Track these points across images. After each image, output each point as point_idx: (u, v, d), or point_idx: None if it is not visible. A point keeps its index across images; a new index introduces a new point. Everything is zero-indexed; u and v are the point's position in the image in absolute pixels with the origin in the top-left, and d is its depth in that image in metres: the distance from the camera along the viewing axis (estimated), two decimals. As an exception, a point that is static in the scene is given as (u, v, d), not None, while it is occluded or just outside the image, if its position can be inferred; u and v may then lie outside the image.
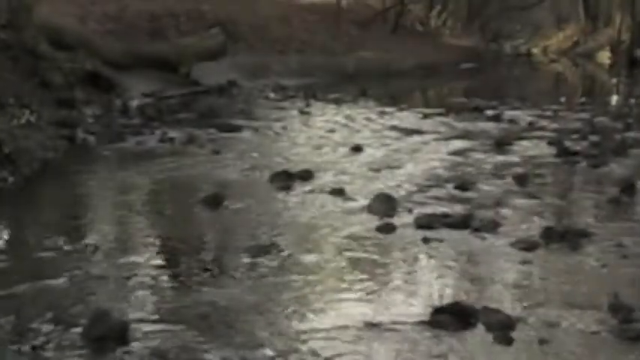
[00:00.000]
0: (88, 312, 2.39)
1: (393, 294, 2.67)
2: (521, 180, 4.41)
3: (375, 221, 3.51)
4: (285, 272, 2.86)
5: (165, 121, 6.63)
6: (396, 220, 3.51)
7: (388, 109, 7.84)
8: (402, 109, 7.89)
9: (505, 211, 3.72)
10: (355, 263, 2.99)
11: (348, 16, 14.62)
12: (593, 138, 5.94)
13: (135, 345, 2.24)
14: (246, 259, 2.99)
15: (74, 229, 3.49)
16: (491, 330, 2.35)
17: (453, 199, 3.95)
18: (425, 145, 5.75)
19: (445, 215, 3.55)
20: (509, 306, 2.52)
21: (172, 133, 5.91)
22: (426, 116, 7.35)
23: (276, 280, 2.78)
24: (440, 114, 7.50)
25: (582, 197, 4.28)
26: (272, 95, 9.08)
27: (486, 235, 3.32)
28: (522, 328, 2.36)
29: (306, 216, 3.66)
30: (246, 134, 6.17)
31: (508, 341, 2.31)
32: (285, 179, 4.34)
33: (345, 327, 2.37)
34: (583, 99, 9.87)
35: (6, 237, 3.28)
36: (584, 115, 7.51)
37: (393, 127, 6.60)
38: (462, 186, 4.21)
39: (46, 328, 2.33)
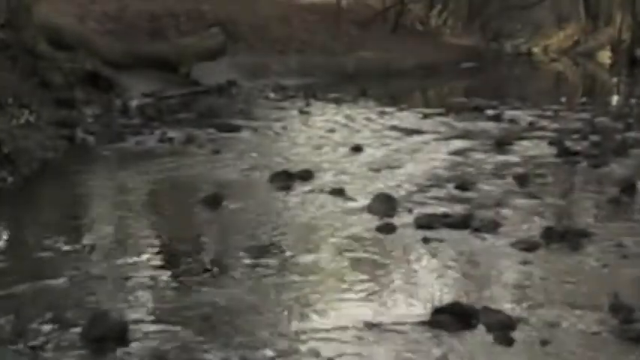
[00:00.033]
0: (87, 312, 2.39)
1: (393, 294, 2.66)
2: (521, 180, 4.41)
3: (375, 221, 3.51)
4: (285, 272, 2.85)
5: (164, 121, 6.63)
6: (396, 220, 3.51)
7: (388, 109, 7.83)
8: (402, 109, 7.88)
9: (505, 211, 3.71)
10: (355, 263, 2.99)
11: (348, 16, 14.61)
12: (594, 138, 5.93)
13: (134, 345, 2.23)
14: (246, 260, 2.99)
15: (73, 229, 3.48)
16: (492, 330, 2.35)
17: (453, 199, 3.95)
18: (425, 145, 5.75)
19: (445, 215, 3.55)
20: (509, 306, 2.51)
21: (172, 133, 5.90)
22: (426, 116, 7.34)
23: (276, 280, 2.77)
24: (440, 114, 7.49)
25: (583, 197, 4.28)
26: (272, 95, 9.08)
27: (487, 235, 3.32)
28: (523, 329, 2.36)
29: (306, 216, 3.66)
30: (245, 134, 6.16)
31: (508, 342, 2.30)
32: (285, 179, 4.33)
33: (345, 327, 2.36)
34: (584, 99, 9.86)
35: (5, 237, 3.27)
36: (585, 115, 7.49)
37: (393, 127, 6.60)
38: (462, 186, 4.21)
39: (46, 328, 2.33)
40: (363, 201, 3.83)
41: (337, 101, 8.51)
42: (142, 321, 2.39)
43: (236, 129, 6.27)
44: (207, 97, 8.64)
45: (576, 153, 5.27)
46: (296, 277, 2.80)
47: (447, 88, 12.11)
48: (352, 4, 15.57)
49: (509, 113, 7.48)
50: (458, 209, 3.71)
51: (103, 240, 3.28)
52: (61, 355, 2.17)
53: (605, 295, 2.55)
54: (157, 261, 3.00)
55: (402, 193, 4.07)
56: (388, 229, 3.41)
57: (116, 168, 4.88)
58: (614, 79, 13.58)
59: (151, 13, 10.32)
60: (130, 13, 10.10)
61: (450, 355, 2.21)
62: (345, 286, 2.74)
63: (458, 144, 5.73)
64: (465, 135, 6.20)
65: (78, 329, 2.30)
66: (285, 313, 2.48)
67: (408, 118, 7.30)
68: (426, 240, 3.24)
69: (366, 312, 2.48)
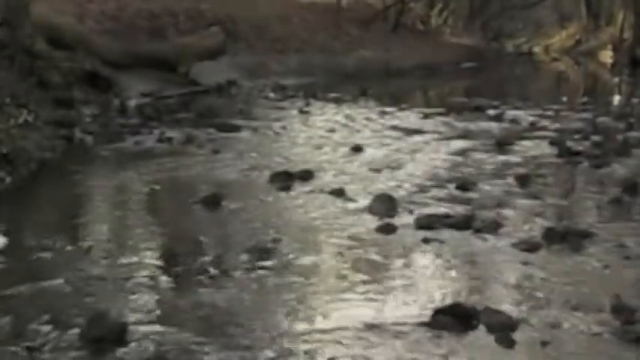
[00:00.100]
0: (86, 313, 2.37)
1: (394, 295, 2.65)
2: (522, 180, 4.39)
3: (375, 222, 3.50)
4: (285, 273, 2.84)
5: (163, 121, 6.62)
6: (396, 221, 3.49)
7: (388, 109, 7.83)
8: (402, 109, 7.88)
9: (506, 212, 3.70)
10: (355, 264, 2.97)
11: (348, 15, 14.61)
12: (596, 138, 5.91)
13: (133, 346, 2.22)
14: (246, 260, 2.97)
15: (72, 229, 3.47)
16: (493, 331, 2.34)
17: (453, 200, 3.93)
18: (426, 145, 5.73)
19: (446, 216, 3.53)
20: (510, 307, 2.50)
21: (171, 133, 5.89)
22: (426, 116, 7.33)
23: (275, 280, 2.76)
24: (441, 114, 7.48)
25: (584, 198, 4.25)
26: (272, 95, 9.07)
27: (487, 235, 3.30)
28: (524, 330, 2.35)
29: (306, 216, 3.64)
30: (245, 134, 6.15)
31: (509, 343, 2.29)
32: (285, 179, 4.32)
33: (346, 328, 2.35)
34: (585, 98, 9.85)
35: (3, 238, 3.26)
36: (587, 115, 7.49)
37: (394, 127, 6.59)
38: (463, 186, 4.19)
39: (44, 329, 2.31)
40: (364, 201, 3.81)
41: (337, 101, 8.50)
42: (141, 322, 2.37)
43: (235, 129, 6.26)
44: (207, 96, 8.64)
45: (578, 153, 5.26)
46: (296, 278, 2.79)
47: (448, 88, 12.10)
48: (352, 3, 15.57)
49: (510, 113, 7.47)
50: (459, 210, 3.69)
51: (102, 240, 3.27)
52: (60, 355, 2.16)
53: (606, 296, 2.54)
54: (156, 261, 2.99)
55: (403, 193, 4.05)
56: (388, 229, 3.39)
57: (115, 168, 4.86)
58: (616, 79, 13.58)
59: (149, 12, 10.31)
60: (129, 13, 10.09)
61: (451, 356, 2.20)
62: (345, 286, 2.73)
63: (459, 144, 5.72)
64: (465, 135, 6.19)
65: (77, 330, 2.29)
66: (285, 313, 2.46)
67: (408, 117, 7.29)
68: (426, 240, 3.22)
69: (367, 313, 2.47)
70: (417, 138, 6.02)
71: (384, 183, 4.31)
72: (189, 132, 5.96)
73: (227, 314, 2.46)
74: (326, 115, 7.42)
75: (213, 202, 3.82)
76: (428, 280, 2.82)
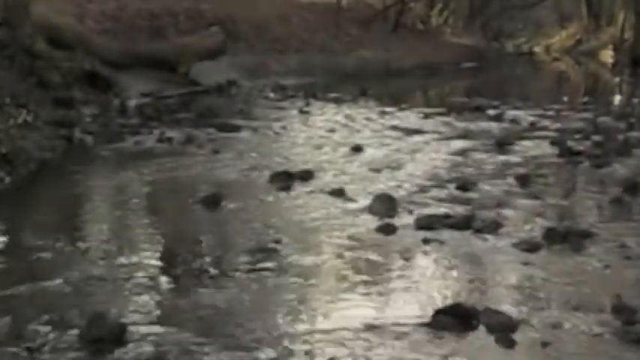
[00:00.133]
0: (85, 314, 2.37)
1: (394, 295, 2.64)
2: (523, 180, 4.38)
3: (375, 222, 3.49)
4: (285, 273, 2.83)
5: (163, 121, 6.62)
6: (396, 221, 3.49)
7: (389, 109, 7.82)
8: (402, 109, 7.87)
9: (507, 212, 3.69)
10: (355, 264, 2.97)
11: (348, 15, 14.61)
12: (596, 138, 5.91)
13: (133, 347, 2.21)
14: (246, 260, 2.97)
15: (71, 229, 3.46)
16: (493, 332, 2.33)
17: (454, 200, 3.92)
18: (426, 145, 5.73)
19: (446, 216, 3.53)
20: (511, 307, 2.49)
21: (171, 133, 5.89)
22: (426, 116, 7.33)
23: (275, 281, 2.76)
24: (441, 114, 7.47)
25: (585, 198, 4.25)
26: (272, 95, 9.07)
27: (488, 236, 3.29)
28: (524, 330, 2.34)
29: (306, 217, 3.63)
30: (245, 134, 6.15)
31: (510, 343, 2.28)
32: (285, 179, 4.31)
33: (346, 328, 2.34)
34: (586, 98, 9.84)
35: (2, 238, 3.25)
36: (587, 115, 7.48)
37: (394, 127, 6.58)
38: (464, 186, 4.18)
39: (43, 329, 2.31)
40: (364, 201, 3.81)
41: (337, 101, 8.50)
42: (140, 322, 2.37)
43: (235, 129, 6.25)
44: (207, 96, 8.63)
45: (578, 153, 5.25)
46: (296, 278, 2.78)
47: (448, 88, 12.09)
48: (352, 3, 15.57)
49: (510, 113, 7.46)
50: (459, 210, 3.68)
51: (102, 241, 3.26)
52: (59, 356, 2.15)
53: (607, 297, 2.53)
54: (156, 262, 2.98)
55: (403, 193, 4.04)
56: (388, 229, 3.38)
57: (114, 168, 4.86)
58: (617, 79, 13.57)
59: (149, 12, 10.31)
60: (129, 12, 10.09)
61: (451, 356, 2.20)
62: (345, 287, 2.72)
63: (459, 144, 5.71)
64: (466, 135, 6.18)
65: (76, 331, 2.28)
66: (285, 314, 2.46)
67: (408, 117, 7.29)
68: (426, 241, 3.22)
69: (367, 313, 2.46)
70: (417, 138, 6.01)
71: (384, 183, 4.31)
72: (189, 132, 5.96)
73: (227, 314, 2.46)
74: (326, 115, 7.41)
75: (213, 202, 3.81)
76: (428, 280, 2.81)
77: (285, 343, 2.25)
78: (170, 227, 3.57)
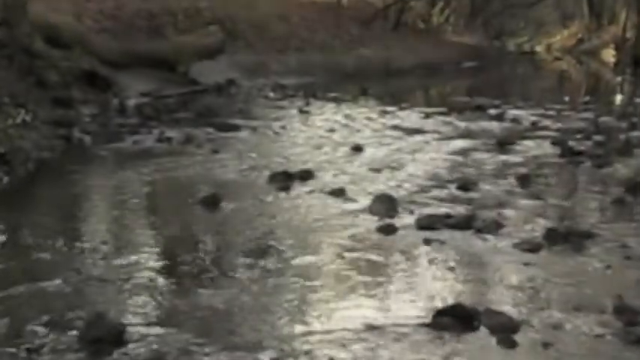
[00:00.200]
0: (84, 314, 2.36)
1: (394, 296, 2.63)
2: (524, 180, 4.37)
3: (375, 222, 3.48)
4: (285, 274, 2.82)
5: (162, 121, 6.61)
6: (397, 221, 3.47)
7: (389, 108, 7.82)
8: (403, 108, 7.86)
9: (508, 212, 3.67)
10: (355, 265, 2.95)
11: (348, 14, 14.60)
12: (598, 138, 5.91)
13: (132, 347, 2.20)
14: (245, 261, 2.96)
15: (70, 230, 3.45)
16: (494, 333, 2.32)
17: (454, 200, 3.91)
18: (426, 144, 5.72)
19: (447, 216, 3.51)
20: (512, 308, 2.48)
21: (170, 133, 5.88)
22: (427, 115, 7.32)
23: (275, 281, 2.74)
24: (442, 113, 7.47)
25: (586, 198, 4.24)
26: (271, 94, 9.06)
27: (489, 236, 3.28)
28: (525, 331, 2.33)
29: (306, 217, 3.62)
30: (244, 134, 6.14)
31: (511, 344, 2.27)
32: (285, 179, 4.30)
33: (346, 329, 2.33)
34: (587, 98, 9.83)
35: (1, 238, 3.24)
36: (589, 115, 7.48)
37: (394, 127, 6.57)
38: (464, 186, 4.17)
39: (42, 330, 2.30)
40: (364, 201, 3.79)
41: (337, 100, 8.49)
42: (139, 323, 2.36)
43: (235, 128, 6.24)
44: (206, 96, 8.63)
45: (580, 153, 5.24)
46: (295, 279, 2.77)
47: (449, 87, 12.09)
48: (353, 1, 15.57)
49: (511, 112, 7.46)
50: (460, 210, 3.67)
51: (100, 241, 3.25)
52: (58, 357, 2.15)
53: (608, 297, 2.52)
54: (155, 262, 2.97)
55: (403, 193, 4.03)
56: (389, 230, 3.37)
57: (113, 168, 4.85)
58: (618, 78, 13.55)
59: (148, 11, 10.29)
60: (128, 12, 10.07)
61: (452, 357, 2.19)
62: (345, 287, 2.71)
63: (460, 144, 5.70)
64: (466, 134, 6.17)
65: (75, 331, 2.27)
66: (285, 314, 2.45)
67: (409, 117, 7.28)
68: (427, 241, 3.20)
69: (367, 314, 2.45)
70: (418, 138, 6.00)
71: (384, 183, 4.30)
72: (188, 132, 5.95)
73: (226, 315, 2.44)
74: (326, 115, 7.40)
75: (212, 202, 3.80)
76: (429, 280, 2.80)
77: (285, 343, 2.24)
78: (169, 227, 3.56)
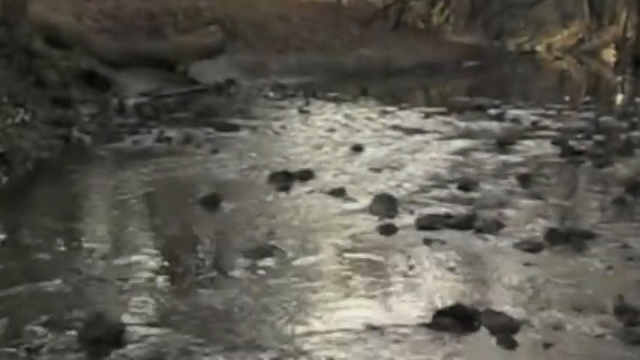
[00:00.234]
0: (83, 314, 2.35)
1: (394, 296, 2.63)
2: (524, 180, 4.37)
3: (375, 222, 3.47)
4: (285, 274, 2.81)
5: (162, 121, 6.61)
6: (397, 221, 3.47)
7: (389, 108, 7.81)
8: (403, 108, 7.86)
9: (508, 212, 3.67)
10: (356, 265, 2.95)
11: (348, 14, 14.60)
12: (598, 137, 5.90)
13: (131, 348, 2.20)
14: (245, 261, 2.95)
15: (69, 230, 3.45)
16: (495, 333, 2.31)
17: (455, 200, 3.90)
18: (426, 144, 5.71)
19: (447, 216, 3.51)
20: (512, 308, 2.47)
21: (169, 133, 5.88)
22: (427, 115, 7.31)
23: (275, 282, 2.74)
24: (442, 113, 7.46)
25: (587, 198, 4.23)
26: (271, 94, 9.06)
27: (489, 236, 3.27)
28: (526, 331, 2.32)
29: (306, 217, 3.62)
30: (244, 134, 6.13)
31: (511, 344, 2.27)
32: (285, 179, 4.29)
33: (346, 329, 2.33)
34: (587, 98, 9.83)
35: (0, 238, 3.23)
36: (589, 114, 7.47)
37: (394, 127, 6.57)
38: (465, 186, 4.16)
39: (41, 330, 2.29)
40: (364, 201, 3.79)
41: (337, 100, 8.49)
42: (139, 323, 2.35)
43: (235, 128, 6.24)
44: (206, 96, 8.62)
45: (580, 153, 5.23)
46: (295, 279, 2.76)
47: (449, 87, 12.08)
48: (353, 1, 15.56)
49: (512, 112, 7.45)
50: (460, 210, 3.66)
51: (100, 241, 3.24)
52: (57, 357, 2.14)
53: (609, 298, 2.51)
54: (154, 262, 2.96)
55: (403, 193, 4.02)
56: (389, 230, 3.36)
57: (113, 168, 4.84)
58: (619, 78, 13.54)
59: (148, 11, 10.29)
60: (127, 11, 10.07)
61: (452, 357, 2.18)
62: (345, 287, 2.70)
63: (460, 143, 5.70)
64: (467, 134, 6.17)
65: (74, 332, 2.26)
66: (285, 315, 2.44)
67: (409, 117, 7.27)
68: (427, 241, 3.20)
69: (367, 314, 2.44)
70: (418, 137, 6.00)
71: (384, 183, 4.29)
72: (187, 131, 5.94)
73: (226, 316, 2.44)
74: (326, 115, 7.40)
75: (212, 202, 3.79)
76: (429, 281, 2.79)
77: (285, 344, 2.24)
78: (169, 228, 3.55)
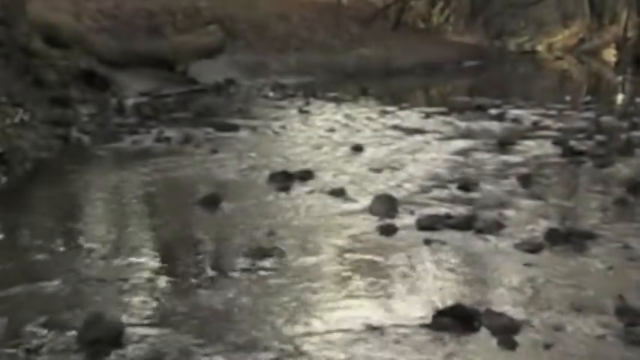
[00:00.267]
0: (82, 315, 2.35)
1: (395, 296, 2.62)
2: (525, 180, 4.36)
3: (375, 222, 3.46)
4: (284, 274, 2.81)
5: (161, 120, 6.61)
6: (397, 221, 3.46)
7: (389, 108, 7.81)
8: (403, 108, 7.86)
9: (509, 212, 3.66)
10: (356, 265, 2.94)
11: (348, 14, 14.60)
12: (599, 137, 5.89)
13: (130, 348, 2.20)
14: (245, 261, 2.94)
15: (68, 230, 3.44)
16: (495, 334, 2.31)
17: (455, 200, 3.90)
18: (427, 144, 5.70)
19: (447, 216, 3.50)
20: (512, 309, 2.47)
21: (169, 133, 5.87)
22: (428, 115, 7.31)
23: (275, 282, 2.73)
24: (442, 113, 7.46)
25: (588, 198, 4.22)
26: (271, 94, 9.06)
27: (489, 236, 3.27)
28: (526, 332, 2.32)
29: (306, 217, 3.61)
30: (244, 134, 6.13)
31: (512, 345, 2.26)
32: (284, 179, 4.29)
33: (346, 330, 2.32)
34: (588, 97, 9.82)
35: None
36: (590, 114, 7.46)
37: (394, 127, 6.56)
38: (465, 186, 4.16)
39: (40, 331, 2.29)
40: (364, 202, 3.78)
41: (337, 100, 8.49)
42: (138, 324, 2.35)
43: (234, 128, 6.23)
44: (205, 95, 8.63)
45: (581, 153, 5.22)
46: (295, 279, 2.76)
47: (450, 87, 12.08)
48: (353, 1, 15.56)
49: (512, 112, 7.45)
50: (460, 210, 3.66)
51: (99, 241, 3.23)
52: (57, 357, 2.14)
53: (610, 298, 2.51)
54: (154, 263, 2.96)
55: (404, 193, 4.02)
56: (389, 230, 3.36)
57: (112, 168, 4.84)
58: (620, 78, 13.53)
59: (147, 10, 10.29)
60: (127, 11, 10.06)
61: (452, 358, 2.17)
62: (345, 288, 2.70)
63: (460, 144, 5.69)
64: (467, 134, 6.16)
65: (73, 332, 2.26)
66: (285, 315, 2.44)
67: (409, 117, 7.27)
68: (427, 241, 3.19)
69: (367, 314, 2.44)
70: (418, 137, 5.99)
71: (384, 183, 4.28)
72: (187, 131, 5.94)
73: (226, 316, 2.43)
74: (326, 115, 7.40)
75: (211, 202, 3.79)
76: (429, 281, 2.78)
77: (285, 344, 2.24)
78: (168, 228, 3.54)
